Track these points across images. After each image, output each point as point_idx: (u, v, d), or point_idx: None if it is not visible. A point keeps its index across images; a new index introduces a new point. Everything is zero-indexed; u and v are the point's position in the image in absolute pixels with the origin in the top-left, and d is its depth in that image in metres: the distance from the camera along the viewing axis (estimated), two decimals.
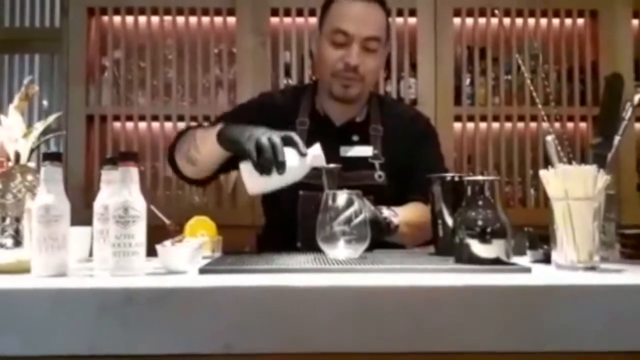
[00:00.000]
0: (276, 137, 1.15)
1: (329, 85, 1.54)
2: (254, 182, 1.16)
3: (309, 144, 1.50)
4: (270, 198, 1.51)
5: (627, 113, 1.07)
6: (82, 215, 1.12)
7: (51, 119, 1.14)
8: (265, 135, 1.14)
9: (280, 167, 1.12)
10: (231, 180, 2.62)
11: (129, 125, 2.65)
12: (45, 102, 3.12)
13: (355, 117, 1.59)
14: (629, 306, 0.85)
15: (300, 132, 1.51)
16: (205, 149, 1.36)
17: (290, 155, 1.15)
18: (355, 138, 1.55)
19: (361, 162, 1.51)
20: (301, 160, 1.17)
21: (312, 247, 1.16)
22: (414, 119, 1.67)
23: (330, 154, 1.49)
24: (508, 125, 2.68)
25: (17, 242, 1.06)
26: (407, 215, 1.42)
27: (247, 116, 1.50)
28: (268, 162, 1.12)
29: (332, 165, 1.24)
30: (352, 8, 1.50)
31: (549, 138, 1.08)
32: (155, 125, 2.65)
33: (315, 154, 1.20)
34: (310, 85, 1.72)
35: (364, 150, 1.53)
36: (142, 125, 2.65)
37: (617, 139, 1.08)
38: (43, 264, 0.94)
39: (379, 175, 1.50)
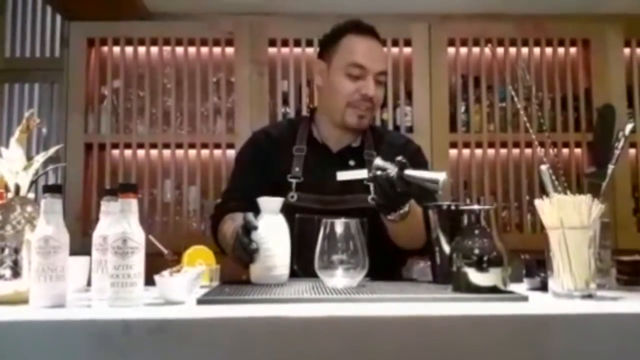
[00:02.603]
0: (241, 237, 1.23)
1: (342, 115, 1.59)
2: (258, 275, 1.21)
3: (306, 168, 1.55)
4: None
5: (620, 143, 1.09)
6: (79, 242, 1.12)
7: (52, 151, 1.15)
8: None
9: (254, 253, 1.21)
10: None
11: (128, 153, 2.67)
12: (44, 130, 3.13)
13: (351, 143, 1.64)
14: (627, 334, 0.85)
15: (298, 158, 1.56)
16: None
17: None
18: (351, 163, 1.59)
19: (356, 186, 1.54)
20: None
21: (308, 270, 1.18)
22: (406, 145, 1.72)
23: (329, 176, 1.52)
24: (503, 151, 2.71)
25: (16, 273, 1.06)
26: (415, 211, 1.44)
27: (247, 164, 1.62)
28: (247, 259, 1.22)
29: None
30: (364, 43, 1.58)
31: (544, 167, 1.10)
32: (154, 152, 2.66)
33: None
34: (306, 116, 1.78)
35: (360, 173, 1.56)
36: (141, 152, 2.67)
37: (610, 167, 1.09)
38: (41, 295, 0.94)
39: (372, 198, 1.52)
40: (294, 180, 1.53)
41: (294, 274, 1.29)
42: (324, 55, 1.64)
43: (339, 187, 1.51)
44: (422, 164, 1.70)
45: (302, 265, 1.38)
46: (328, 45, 1.63)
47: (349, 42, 1.59)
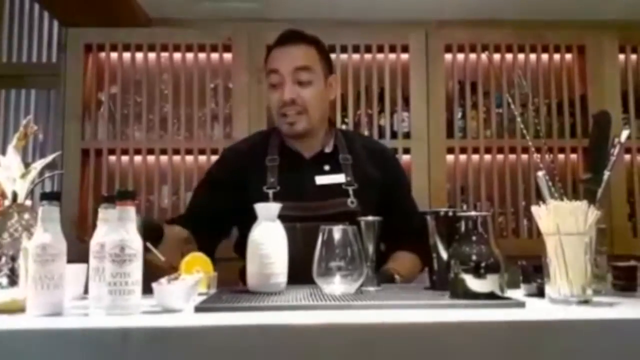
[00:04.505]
0: None
1: (279, 125, 1.62)
2: (255, 282, 1.20)
3: (282, 177, 1.56)
4: (244, 240, 1.51)
5: (616, 149, 1.09)
6: (75, 249, 1.12)
7: (50, 158, 1.15)
8: None
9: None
10: None
11: (125, 159, 2.67)
12: (41, 136, 3.13)
13: (323, 148, 1.65)
14: (623, 340, 0.85)
15: (272, 168, 1.58)
16: None
17: None
18: (326, 167, 1.61)
19: (335, 190, 1.56)
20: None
21: (294, 277, 1.20)
22: (381, 150, 1.75)
23: (306, 183, 1.53)
24: (500, 157, 2.72)
25: (13, 282, 1.06)
26: (405, 269, 1.54)
27: (215, 177, 1.67)
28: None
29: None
30: (279, 50, 1.61)
31: (540, 174, 1.10)
32: (151, 158, 2.66)
33: None
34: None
35: (338, 178, 1.59)
36: (138, 158, 2.67)
37: (606, 174, 1.10)
38: (38, 303, 0.94)
39: (352, 202, 1.53)
40: (270, 191, 1.53)
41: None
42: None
43: (318, 192, 1.53)
44: (400, 171, 1.77)
45: (293, 276, 1.36)
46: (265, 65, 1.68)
47: (270, 56, 1.63)
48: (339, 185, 1.56)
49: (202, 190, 1.69)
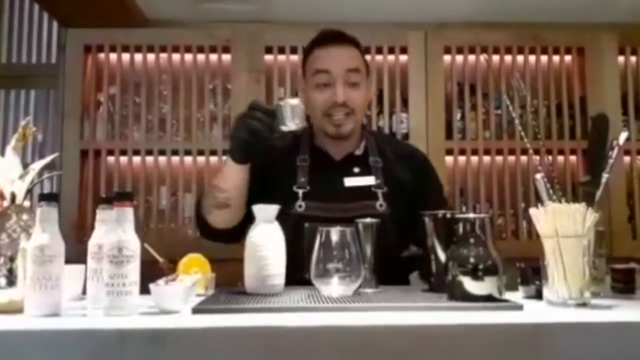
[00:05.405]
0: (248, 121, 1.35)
1: (322, 126, 1.60)
2: (252, 284, 1.20)
3: (311, 178, 1.55)
4: None
5: (614, 151, 1.09)
6: (74, 250, 1.12)
7: (48, 159, 1.15)
8: (243, 123, 1.36)
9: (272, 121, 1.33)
10: None
11: (123, 159, 2.67)
12: (40, 137, 3.13)
13: (354, 150, 1.65)
14: (621, 343, 0.85)
15: (302, 168, 1.57)
16: (227, 182, 1.47)
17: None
18: (356, 170, 1.59)
19: (364, 193, 1.55)
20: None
21: None
22: (412, 153, 1.73)
23: (335, 184, 1.52)
24: (499, 158, 2.72)
25: (10, 282, 1.06)
26: None
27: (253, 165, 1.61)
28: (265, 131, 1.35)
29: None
30: (327, 50, 1.59)
31: (539, 176, 1.10)
32: (150, 159, 2.66)
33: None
34: (309, 126, 1.78)
35: (368, 180, 1.57)
36: (136, 159, 2.67)
37: (605, 176, 1.10)
38: (36, 304, 0.94)
39: (380, 205, 1.53)
40: (300, 190, 1.53)
41: (306, 282, 1.29)
42: (303, 73, 1.68)
43: (346, 195, 1.51)
44: (431, 174, 1.72)
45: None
46: (303, 63, 1.67)
47: (314, 55, 1.61)
48: (368, 187, 1.55)
49: None
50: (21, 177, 1.08)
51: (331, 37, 1.60)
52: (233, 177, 1.46)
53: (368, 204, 1.52)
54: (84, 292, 1.10)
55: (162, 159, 2.67)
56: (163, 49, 2.70)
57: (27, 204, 1.12)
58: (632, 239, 2.66)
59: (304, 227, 1.44)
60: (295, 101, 1.35)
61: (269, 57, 2.71)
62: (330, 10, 2.73)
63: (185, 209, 2.65)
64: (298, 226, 1.42)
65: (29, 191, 1.11)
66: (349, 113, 1.57)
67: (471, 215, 1.07)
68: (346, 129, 1.58)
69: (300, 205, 1.51)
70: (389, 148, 1.67)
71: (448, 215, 1.21)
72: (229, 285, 1.35)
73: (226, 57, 2.71)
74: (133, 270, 0.95)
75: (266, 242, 1.20)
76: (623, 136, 1.12)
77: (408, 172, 1.63)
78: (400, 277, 1.51)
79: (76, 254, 1.16)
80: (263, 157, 1.46)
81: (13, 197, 1.09)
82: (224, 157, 1.44)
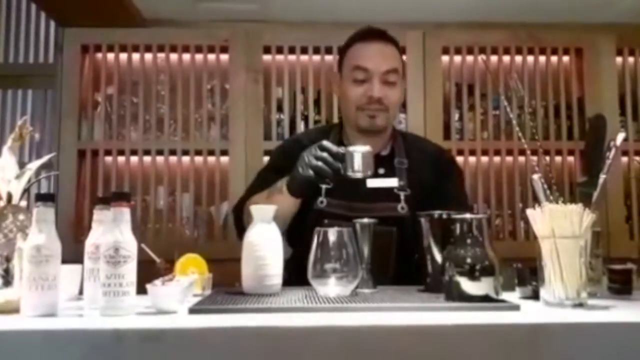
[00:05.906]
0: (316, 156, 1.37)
1: (355, 119, 1.61)
2: (250, 284, 1.19)
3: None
4: (293, 231, 1.55)
5: (611, 152, 1.09)
6: (71, 250, 1.12)
7: (45, 159, 1.15)
8: (309, 161, 1.37)
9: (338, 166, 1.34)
10: (222, 213, 2.62)
11: (121, 159, 2.66)
12: (37, 136, 3.13)
13: (380, 151, 1.64)
14: (617, 343, 0.85)
15: None
16: (278, 209, 1.36)
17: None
18: (381, 171, 1.58)
19: (386, 194, 1.54)
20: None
21: None
22: (439, 154, 1.73)
23: (358, 184, 1.52)
24: (497, 159, 2.72)
25: (7, 282, 1.05)
26: None
27: (279, 165, 1.61)
28: (331, 172, 1.35)
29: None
30: (369, 47, 1.60)
31: (535, 177, 1.11)
32: (147, 159, 2.66)
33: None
34: (337, 124, 1.80)
35: (391, 182, 1.57)
36: (134, 159, 2.67)
37: (602, 177, 1.10)
38: (33, 304, 0.93)
39: (402, 207, 1.53)
40: (323, 186, 1.52)
41: None
42: (339, 66, 1.68)
43: (368, 194, 1.49)
44: (457, 175, 1.72)
45: None
46: (340, 56, 1.67)
47: (354, 49, 1.62)
48: (391, 189, 1.54)
49: (266, 174, 1.65)
50: (18, 177, 1.08)
51: (372, 34, 1.61)
52: (285, 207, 1.44)
53: (389, 206, 1.53)
54: (81, 292, 1.10)
55: (159, 159, 2.66)
56: (161, 49, 2.70)
57: (23, 204, 1.12)
58: (630, 240, 2.66)
59: (322, 224, 1.44)
60: (365, 148, 1.36)
61: (267, 57, 2.71)
62: (328, 10, 2.73)
63: (183, 209, 2.65)
64: (317, 222, 1.42)
65: (26, 191, 1.11)
66: (384, 110, 1.58)
67: (468, 215, 1.07)
68: (380, 122, 1.59)
69: (322, 201, 1.52)
70: (415, 149, 1.67)
71: (444, 216, 1.21)
72: (227, 285, 1.35)
73: (224, 57, 2.71)
74: (130, 271, 0.95)
75: (263, 242, 1.20)
76: (620, 137, 1.12)
77: (431, 173, 1.63)
78: (419, 280, 1.51)
79: (73, 254, 1.16)
80: (318, 193, 1.50)
81: (9, 197, 1.09)
82: (278, 185, 1.47)
